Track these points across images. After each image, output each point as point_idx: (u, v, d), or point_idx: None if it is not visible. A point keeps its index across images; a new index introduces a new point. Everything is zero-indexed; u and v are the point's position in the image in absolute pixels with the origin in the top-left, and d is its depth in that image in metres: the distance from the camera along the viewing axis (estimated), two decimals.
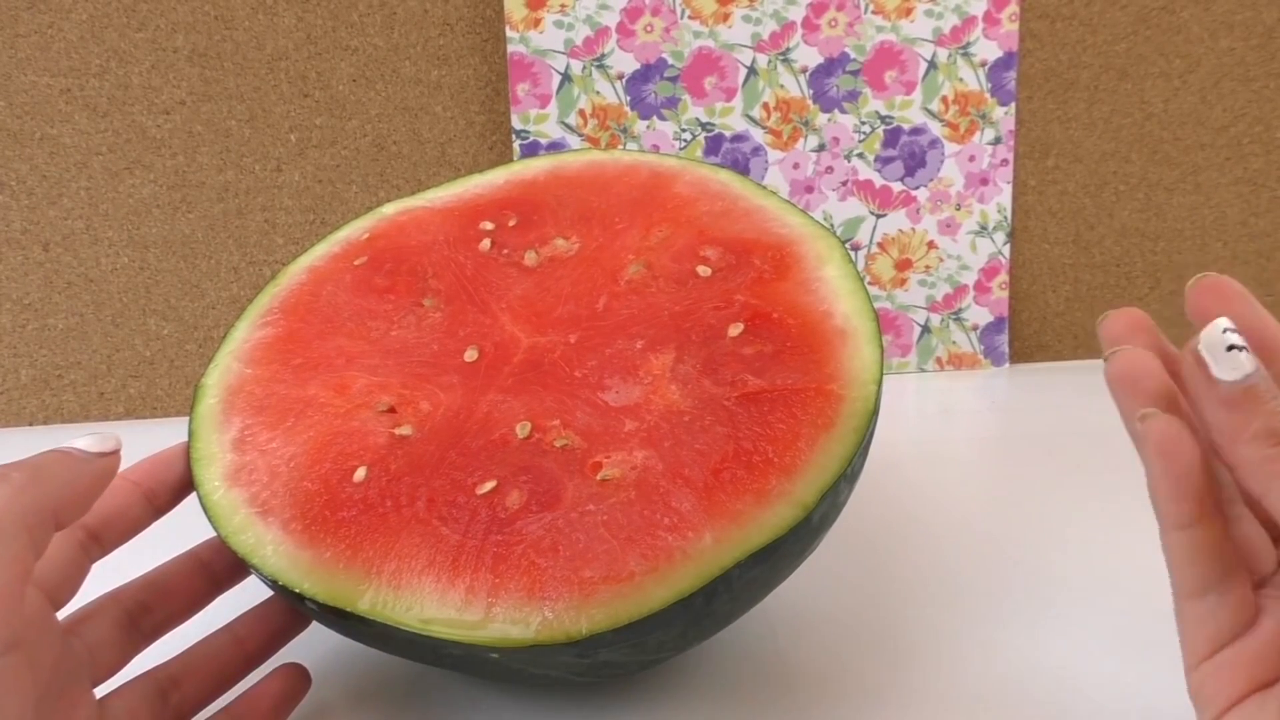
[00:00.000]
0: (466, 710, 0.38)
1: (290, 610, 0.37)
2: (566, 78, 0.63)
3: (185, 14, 0.61)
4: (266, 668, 0.36)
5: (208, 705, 0.35)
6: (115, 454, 0.31)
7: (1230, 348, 0.26)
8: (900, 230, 0.67)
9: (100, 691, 0.32)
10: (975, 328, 0.69)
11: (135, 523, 0.34)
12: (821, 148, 0.66)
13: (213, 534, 0.36)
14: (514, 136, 0.64)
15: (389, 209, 0.45)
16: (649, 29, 0.63)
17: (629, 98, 0.64)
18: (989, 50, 0.65)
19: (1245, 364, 0.25)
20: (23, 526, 0.27)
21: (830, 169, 0.66)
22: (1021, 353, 0.72)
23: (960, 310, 0.69)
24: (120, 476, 0.35)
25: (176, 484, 0.36)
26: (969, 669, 0.39)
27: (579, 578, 0.31)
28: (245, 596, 0.37)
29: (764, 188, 0.42)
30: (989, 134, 0.66)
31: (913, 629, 0.42)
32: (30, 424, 0.66)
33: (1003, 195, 0.67)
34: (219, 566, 0.36)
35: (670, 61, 0.64)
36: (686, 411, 0.35)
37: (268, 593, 0.37)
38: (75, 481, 0.29)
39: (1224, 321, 0.26)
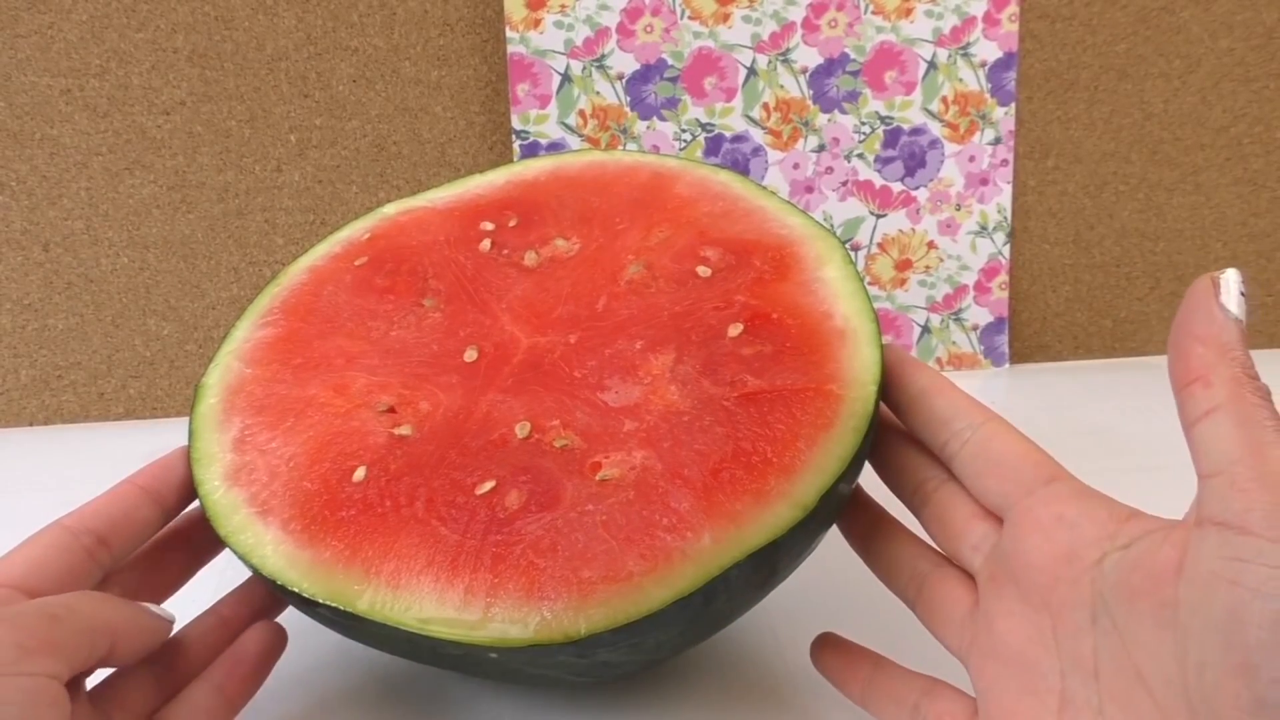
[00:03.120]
0: (465, 710, 0.38)
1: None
2: (566, 78, 0.63)
3: (185, 14, 0.61)
4: None
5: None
6: (170, 622, 0.33)
7: (1241, 293, 0.27)
8: (900, 230, 0.67)
9: (89, 681, 0.32)
10: (975, 328, 0.69)
11: (144, 525, 0.34)
12: (821, 148, 0.66)
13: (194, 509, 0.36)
14: (514, 137, 0.64)
15: (390, 209, 0.45)
16: (649, 29, 0.63)
17: (629, 98, 0.64)
18: (989, 51, 0.65)
19: (1244, 315, 0.27)
20: (96, 631, 0.30)
21: (830, 169, 0.66)
22: (1021, 353, 0.72)
23: (960, 310, 0.69)
24: (126, 481, 0.35)
25: (180, 485, 0.36)
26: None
27: (578, 578, 0.31)
28: (229, 578, 0.37)
29: (764, 189, 0.42)
30: (989, 134, 0.66)
31: (912, 630, 0.42)
32: (30, 424, 0.66)
33: (1003, 195, 0.67)
34: (199, 539, 0.37)
35: (670, 62, 0.64)
36: (686, 412, 0.35)
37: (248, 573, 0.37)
38: (140, 621, 0.32)
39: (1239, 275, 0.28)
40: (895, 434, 0.36)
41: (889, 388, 0.35)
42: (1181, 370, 0.27)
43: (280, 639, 0.37)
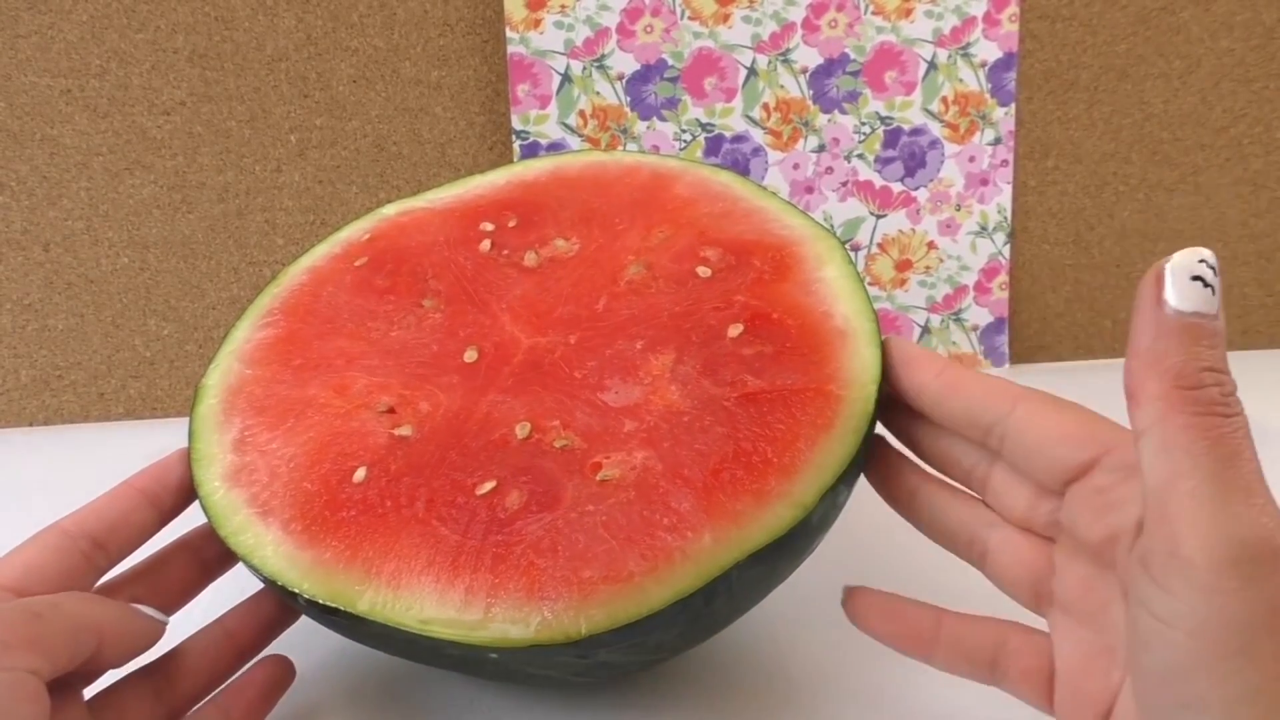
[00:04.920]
0: (465, 710, 0.38)
1: (280, 603, 0.37)
2: (566, 78, 0.63)
3: (185, 14, 0.61)
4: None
5: (200, 700, 0.35)
6: (162, 624, 0.33)
7: (1195, 278, 0.24)
8: (900, 231, 0.67)
9: (90, 691, 0.32)
10: (975, 328, 0.69)
11: (141, 528, 0.34)
12: (821, 148, 0.66)
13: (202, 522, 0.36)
14: (514, 137, 0.64)
15: (390, 210, 0.45)
16: (649, 30, 0.63)
17: (629, 98, 0.64)
18: (989, 51, 0.65)
19: (1203, 302, 0.24)
20: (81, 629, 0.29)
21: (830, 170, 0.66)
22: (1021, 353, 0.72)
23: (960, 311, 0.69)
24: (124, 484, 0.35)
25: (177, 487, 0.36)
26: None
27: (578, 578, 0.31)
28: (235, 591, 0.37)
29: (764, 189, 0.42)
30: (989, 134, 0.66)
31: None
32: (30, 424, 0.66)
33: (1003, 196, 0.67)
34: (209, 554, 0.37)
35: (670, 62, 0.64)
36: (686, 412, 0.35)
37: (257, 585, 0.37)
38: (129, 622, 0.32)
39: (1206, 252, 0.24)
40: (923, 427, 0.35)
41: (901, 392, 0.34)
42: (1125, 386, 0.25)
43: (288, 673, 0.37)
